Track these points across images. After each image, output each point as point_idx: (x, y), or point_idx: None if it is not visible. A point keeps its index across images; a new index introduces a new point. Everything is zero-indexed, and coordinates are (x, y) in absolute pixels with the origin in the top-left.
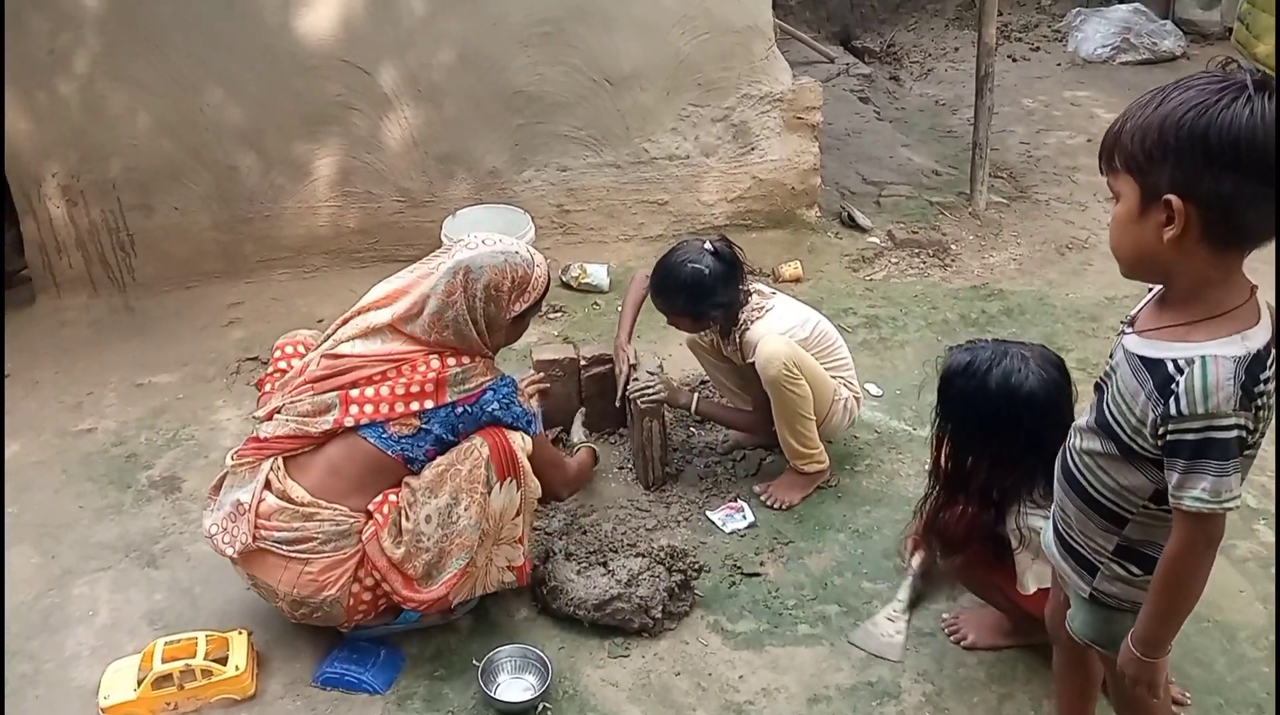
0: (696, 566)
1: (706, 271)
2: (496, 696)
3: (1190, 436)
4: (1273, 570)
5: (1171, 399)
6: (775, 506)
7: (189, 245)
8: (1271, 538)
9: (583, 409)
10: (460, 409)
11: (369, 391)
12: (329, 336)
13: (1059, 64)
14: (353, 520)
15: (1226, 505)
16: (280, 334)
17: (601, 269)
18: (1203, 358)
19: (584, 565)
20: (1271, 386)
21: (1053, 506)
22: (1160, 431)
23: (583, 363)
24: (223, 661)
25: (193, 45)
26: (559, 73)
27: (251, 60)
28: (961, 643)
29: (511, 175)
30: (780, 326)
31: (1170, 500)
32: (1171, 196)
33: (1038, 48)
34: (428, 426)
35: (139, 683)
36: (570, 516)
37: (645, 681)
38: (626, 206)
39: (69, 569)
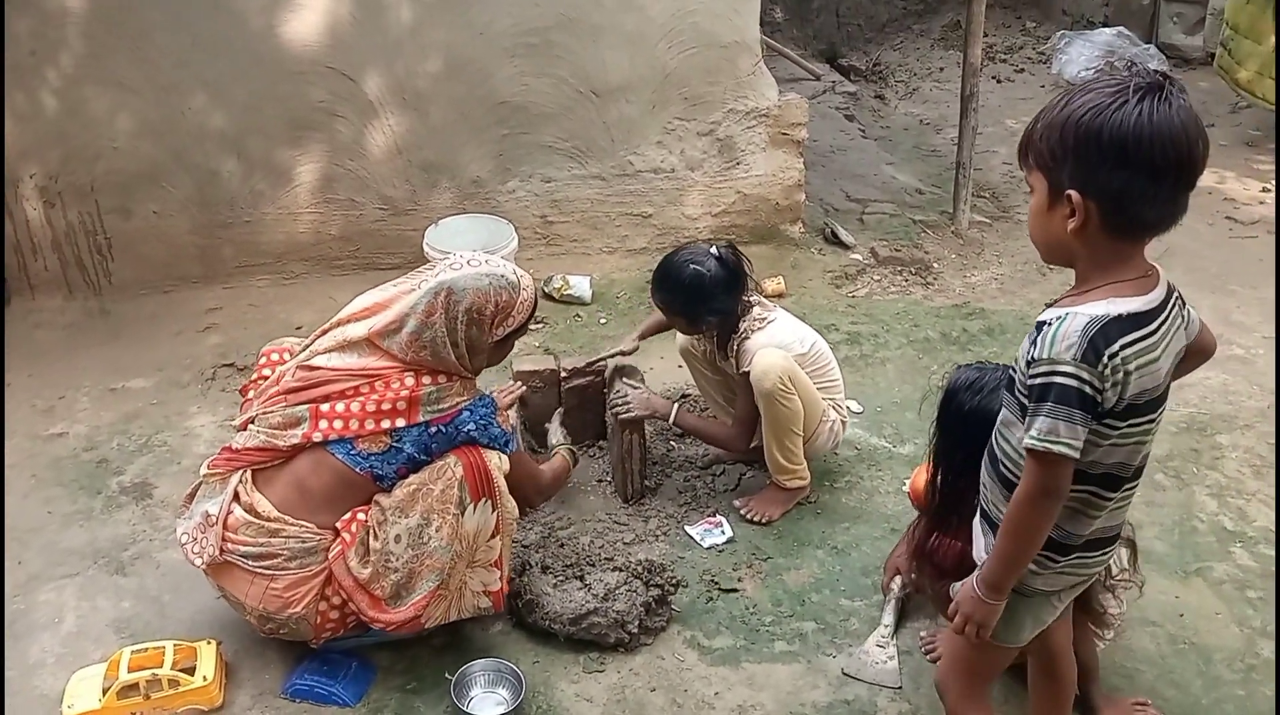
0: (674, 581)
1: (707, 274)
2: (469, 710)
3: (1038, 380)
4: (1248, 593)
5: (1032, 346)
6: (755, 520)
7: (167, 249)
8: (1248, 561)
9: (560, 409)
10: (435, 428)
11: (339, 406)
12: (307, 347)
13: (1043, 86)
14: (319, 538)
15: (1053, 446)
16: (258, 341)
17: (584, 281)
18: (1065, 313)
19: (561, 578)
20: (1133, 352)
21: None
22: (1027, 375)
23: (563, 374)
24: (190, 671)
25: (177, 48)
26: (545, 84)
27: (236, 64)
28: (934, 656)
29: (495, 185)
30: (779, 340)
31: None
32: (1072, 192)
33: (1022, 69)
34: (399, 445)
35: (104, 691)
36: (548, 529)
37: (620, 697)
38: (610, 219)
39: (35, 575)
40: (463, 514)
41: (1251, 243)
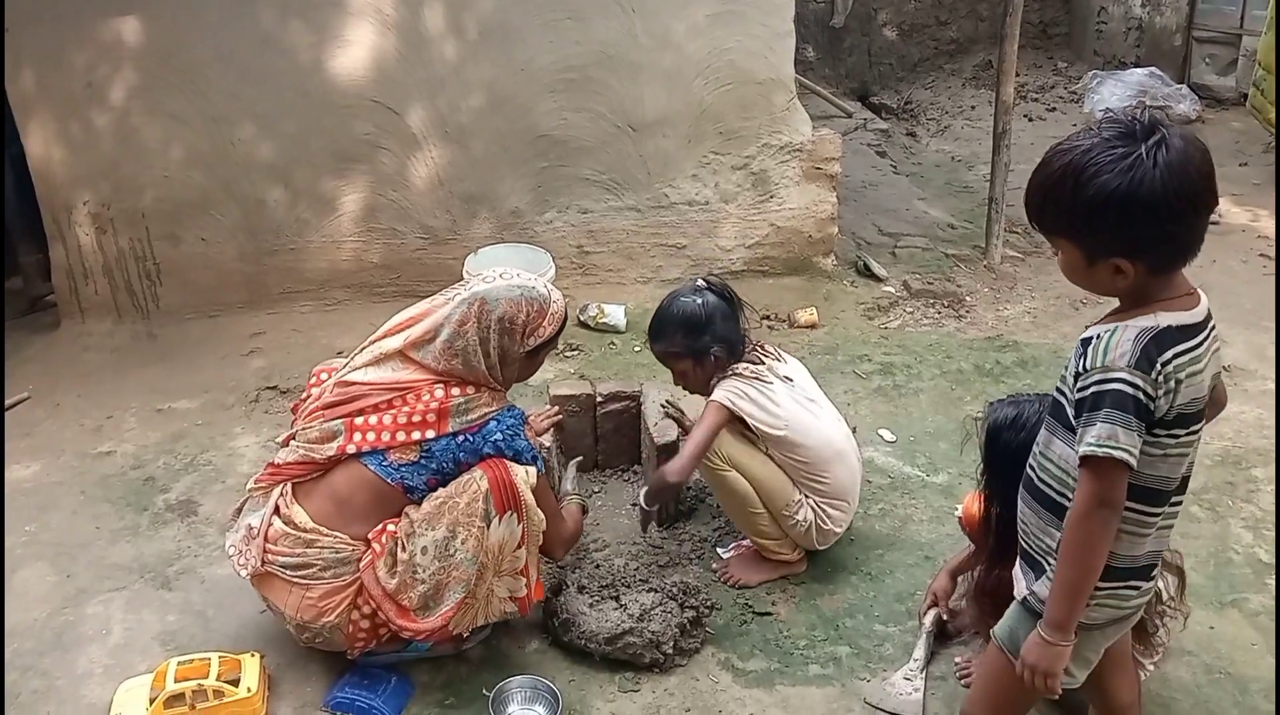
0: (709, 604)
1: (700, 303)
2: None
3: (1090, 390)
4: None
5: (1083, 359)
6: (729, 584)
7: (214, 275)
8: None
9: (578, 459)
10: (462, 438)
11: (373, 419)
12: (346, 363)
13: (1074, 124)
14: (352, 548)
15: (1113, 451)
16: (301, 365)
17: (619, 309)
18: (1115, 327)
19: (596, 599)
20: (1185, 361)
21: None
22: (1075, 388)
23: (599, 399)
24: (235, 683)
25: (228, 81)
26: (583, 118)
27: (284, 98)
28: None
29: (533, 216)
30: (760, 405)
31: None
32: (1119, 260)
33: (1054, 108)
34: (428, 455)
35: (151, 701)
36: (583, 551)
37: None
38: (645, 249)
39: (84, 588)
40: (488, 526)
41: None
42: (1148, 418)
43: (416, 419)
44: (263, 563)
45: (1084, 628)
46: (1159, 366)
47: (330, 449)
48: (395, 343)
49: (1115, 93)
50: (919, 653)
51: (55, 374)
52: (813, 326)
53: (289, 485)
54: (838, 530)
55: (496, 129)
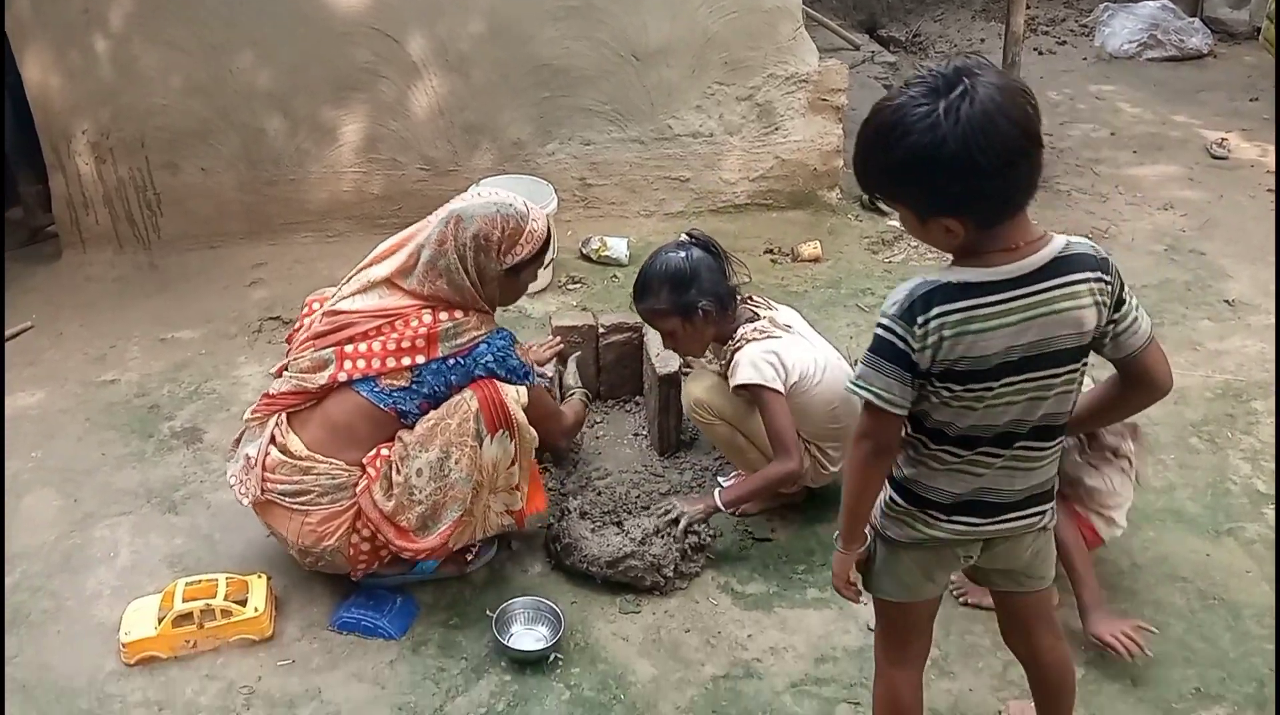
0: (710, 532)
1: (684, 257)
2: (509, 645)
3: (874, 329)
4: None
5: None
6: (730, 512)
7: (214, 205)
8: None
9: (576, 355)
10: (453, 361)
11: (363, 347)
12: (336, 292)
13: (1085, 58)
14: (348, 474)
15: (860, 390)
16: (303, 295)
17: (622, 243)
18: (912, 277)
19: (598, 524)
20: (952, 320)
21: None
22: None
23: (601, 330)
24: (242, 603)
25: (225, 8)
26: (586, 47)
27: (283, 25)
28: (966, 599)
29: (535, 147)
30: (770, 357)
31: None
32: (946, 220)
33: (1064, 42)
34: (420, 380)
35: (160, 620)
36: (585, 478)
37: (655, 637)
38: (648, 182)
39: (90, 513)
40: (480, 445)
41: None
42: (908, 365)
43: (406, 345)
44: (262, 491)
45: (888, 543)
46: (920, 321)
47: (322, 378)
48: (382, 270)
49: (1126, 26)
50: None
51: (57, 304)
52: (816, 260)
53: (284, 415)
54: (832, 471)
55: (497, 57)
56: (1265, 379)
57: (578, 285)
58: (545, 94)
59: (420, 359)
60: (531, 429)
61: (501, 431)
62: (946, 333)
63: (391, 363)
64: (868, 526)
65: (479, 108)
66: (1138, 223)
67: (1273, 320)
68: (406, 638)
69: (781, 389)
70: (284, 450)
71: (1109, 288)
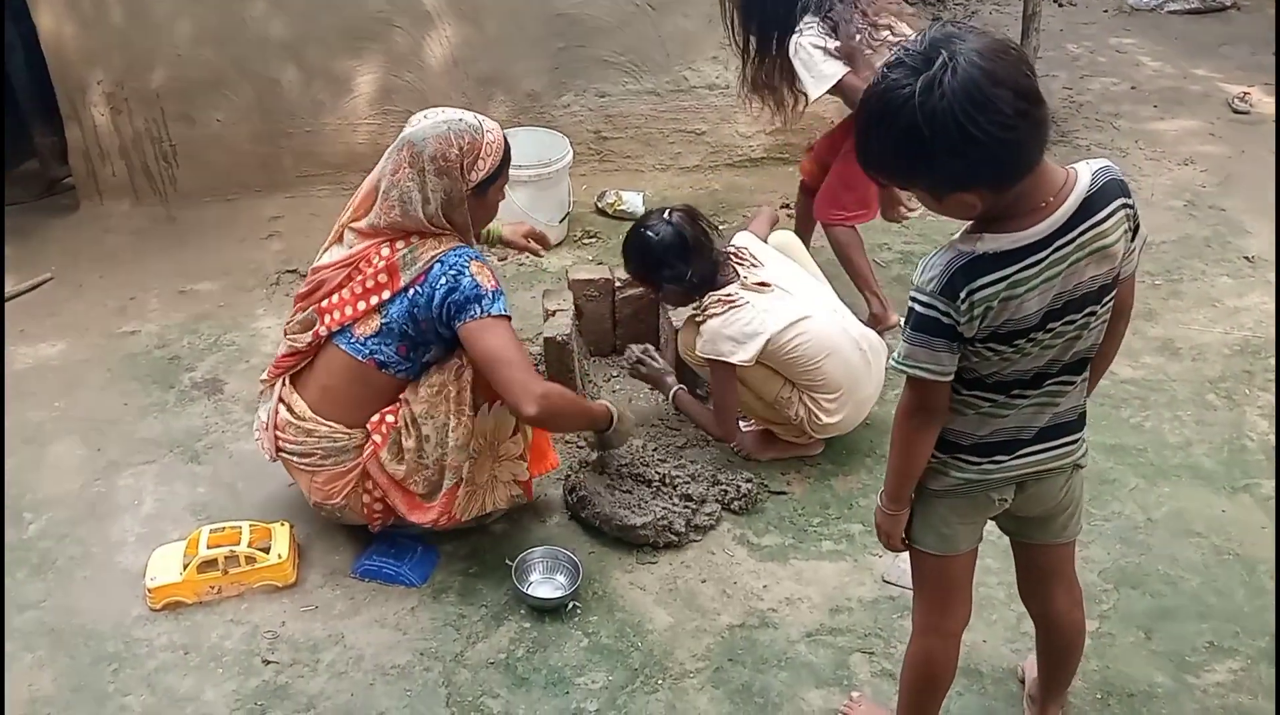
0: (740, 491)
1: (655, 237)
2: (529, 593)
3: (909, 304)
4: None
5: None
6: (741, 455)
7: (230, 157)
8: None
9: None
10: (412, 291)
11: (334, 298)
12: (320, 251)
13: (1106, 10)
14: (349, 436)
15: (909, 369)
16: (318, 248)
17: (637, 197)
18: (940, 248)
19: (614, 478)
20: (993, 292)
21: None
22: None
23: (617, 285)
24: (266, 550)
25: None
26: None
27: None
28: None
29: (550, 99)
30: (735, 331)
31: None
32: (961, 194)
33: None
34: (388, 322)
35: (185, 566)
36: None
37: (672, 586)
38: (664, 135)
39: (114, 461)
40: (476, 414)
41: None
42: (954, 337)
43: (370, 284)
44: (276, 451)
45: (924, 494)
46: (963, 295)
47: (308, 337)
48: (347, 217)
49: None
50: None
51: (76, 255)
52: None
53: (288, 377)
54: (834, 421)
55: (512, 7)
56: None
57: (593, 239)
58: (560, 44)
59: (386, 295)
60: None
61: (499, 402)
62: (993, 304)
63: (362, 306)
64: None
65: (493, 59)
66: (1157, 178)
67: None
68: (427, 585)
69: (737, 361)
70: (290, 411)
71: (1132, 212)
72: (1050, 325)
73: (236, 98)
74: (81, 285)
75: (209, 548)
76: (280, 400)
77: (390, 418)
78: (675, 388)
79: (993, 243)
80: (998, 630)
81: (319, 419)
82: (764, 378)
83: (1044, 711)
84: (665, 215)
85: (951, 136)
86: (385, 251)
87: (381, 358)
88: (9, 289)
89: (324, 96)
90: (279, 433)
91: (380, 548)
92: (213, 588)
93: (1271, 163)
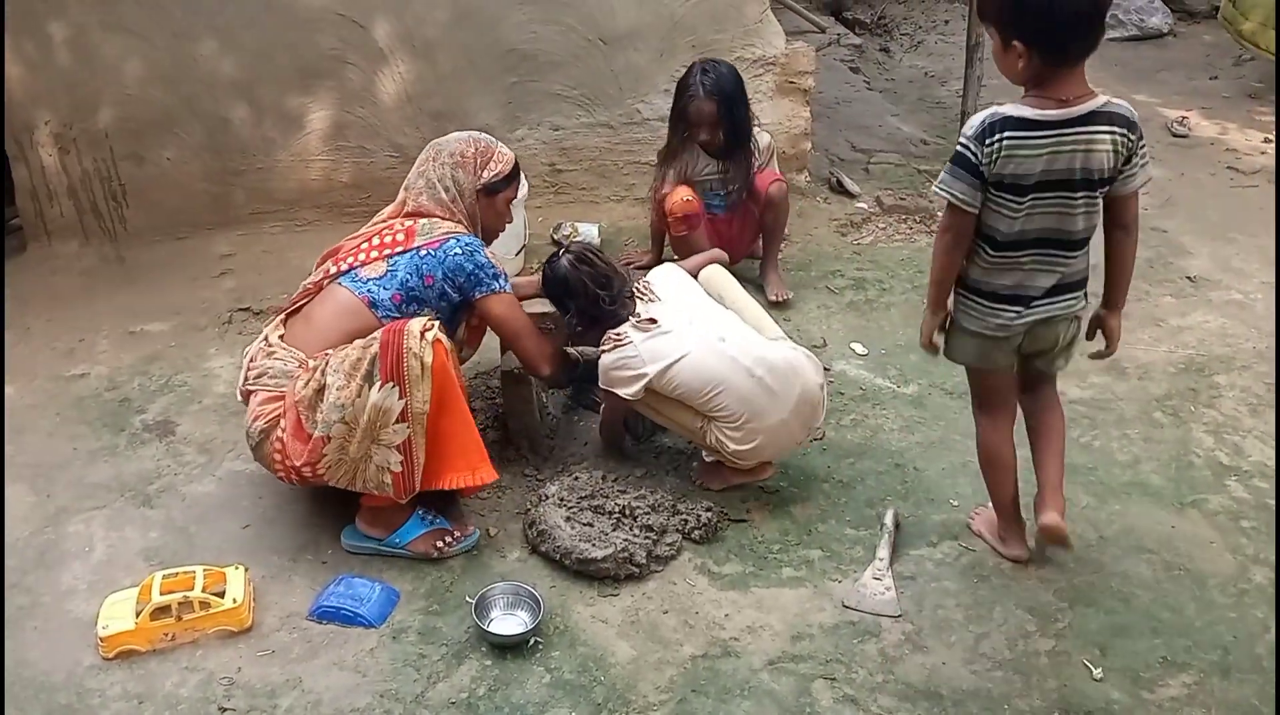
0: (700, 521)
1: (548, 273)
2: (489, 630)
3: (955, 149)
4: (1242, 523)
5: None
6: (698, 486)
7: (180, 196)
8: (1243, 493)
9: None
10: (425, 251)
11: (350, 246)
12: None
13: None
14: (300, 365)
15: (941, 191)
16: (273, 286)
17: (593, 228)
18: (990, 108)
19: (573, 511)
20: (1010, 144)
21: None
22: None
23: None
24: (220, 595)
25: None
26: (553, 31)
27: (246, 11)
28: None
29: (504, 133)
30: (615, 368)
31: None
32: (1016, 42)
33: None
34: (394, 268)
35: (138, 613)
36: (561, 463)
37: (634, 619)
38: (618, 167)
39: (64, 507)
40: (368, 386)
41: (1252, 192)
42: (979, 174)
43: (387, 240)
44: (244, 380)
45: (957, 328)
46: (988, 141)
47: (318, 274)
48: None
49: None
50: (883, 551)
51: (24, 298)
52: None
53: (281, 315)
54: (745, 449)
55: (464, 42)
56: (1226, 353)
57: None
58: (513, 79)
59: (399, 250)
60: (427, 394)
61: (391, 384)
62: (1003, 151)
63: (374, 255)
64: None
65: (446, 94)
66: None
67: (1233, 296)
68: (386, 625)
69: (624, 395)
70: (266, 340)
71: (1128, 142)
72: (1038, 194)
73: (187, 136)
74: (29, 328)
75: (162, 594)
76: (265, 335)
77: (330, 351)
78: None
79: (1020, 110)
80: (956, 652)
81: (284, 345)
82: (676, 411)
83: (1045, 503)
84: (557, 254)
85: (1040, 5)
86: (407, 223)
87: (376, 298)
88: None
89: (275, 133)
90: (250, 362)
91: (337, 589)
92: (167, 635)
93: (1211, 185)
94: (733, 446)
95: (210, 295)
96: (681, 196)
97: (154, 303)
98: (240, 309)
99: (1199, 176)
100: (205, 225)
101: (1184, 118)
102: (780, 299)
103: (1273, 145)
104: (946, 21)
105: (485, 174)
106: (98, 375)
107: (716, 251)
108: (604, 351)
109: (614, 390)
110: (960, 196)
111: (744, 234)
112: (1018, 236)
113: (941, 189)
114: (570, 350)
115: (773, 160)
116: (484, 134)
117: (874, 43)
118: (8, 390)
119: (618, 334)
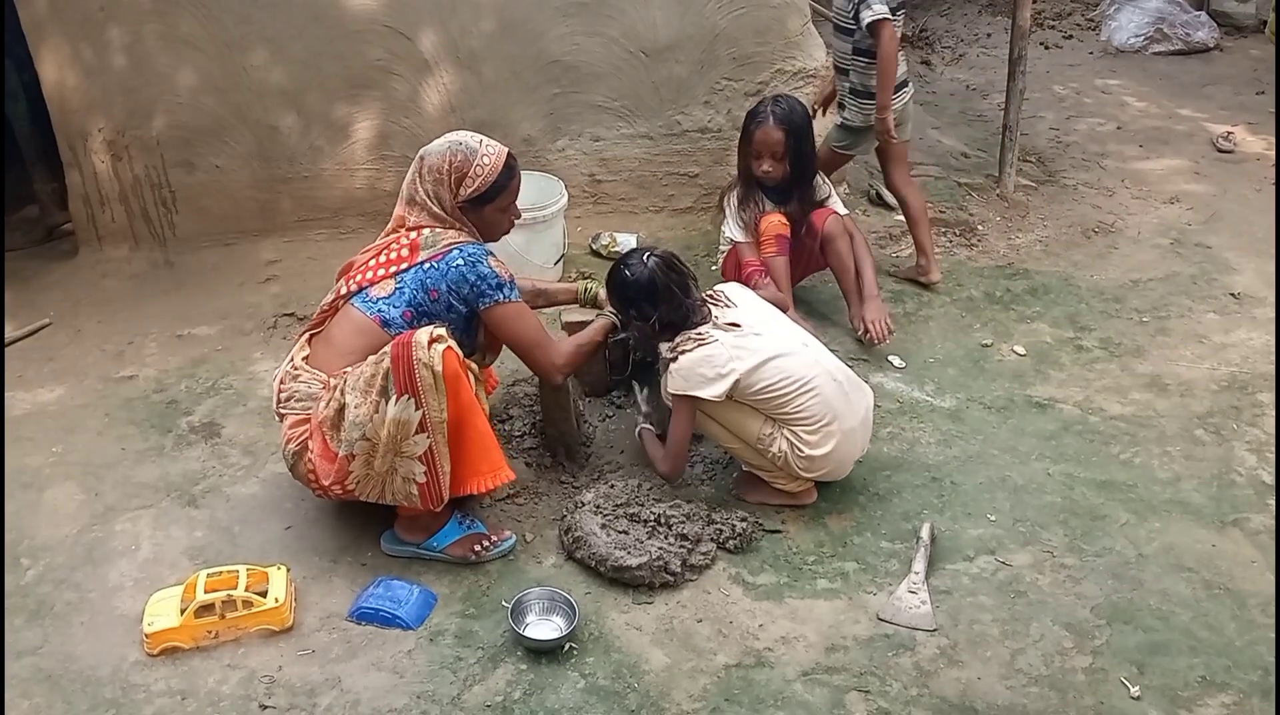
0: (735, 532)
1: (630, 277)
2: (525, 635)
3: None
4: None
5: None
6: (733, 492)
7: (229, 203)
8: None
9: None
10: (429, 265)
11: (360, 262)
12: None
13: (1091, 52)
14: (324, 386)
15: (877, 14)
16: (317, 292)
17: (631, 238)
18: None
19: (609, 518)
20: None
21: None
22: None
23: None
24: (263, 594)
25: (239, 5)
26: (596, 43)
27: (296, 22)
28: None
29: (546, 144)
30: (705, 369)
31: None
32: None
33: (1070, 36)
34: (401, 285)
35: (182, 611)
36: (598, 471)
37: (668, 626)
38: (658, 178)
39: (111, 506)
40: (384, 401)
41: None
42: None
43: (393, 256)
44: (276, 403)
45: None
46: None
47: (331, 295)
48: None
49: (1133, 20)
50: (919, 565)
51: (75, 300)
52: None
53: (307, 336)
54: (821, 453)
55: (508, 54)
56: (1271, 372)
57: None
58: (555, 90)
59: (405, 266)
60: (442, 403)
61: (407, 397)
62: None
63: (382, 273)
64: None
65: (490, 104)
66: (1144, 216)
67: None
68: (424, 628)
69: (706, 396)
70: (292, 362)
71: None
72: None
73: (236, 144)
74: (80, 330)
75: (206, 592)
76: (291, 357)
77: (348, 368)
78: (641, 426)
79: None
80: (992, 667)
81: (307, 368)
82: (742, 418)
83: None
84: (644, 257)
85: None
86: (412, 235)
87: (387, 317)
88: (8, 335)
89: (322, 142)
90: (280, 384)
91: (376, 591)
92: (210, 632)
93: (1256, 201)
94: (808, 451)
95: (256, 300)
96: (778, 219)
97: (201, 307)
98: (285, 314)
99: (1244, 192)
100: (252, 232)
101: (1229, 133)
102: (873, 338)
103: None
104: (989, 35)
105: (462, 191)
106: (146, 377)
107: (781, 296)
108: (684, 351)
109: (692, 392)
110: (884, 11)
111: (793, 273)
112: None
113: (878, 13)
114: (601, 318)
115: (832, 197)
116: (469, 138)
117: (915, 56)
118: (59, 391)
119: (699, 334)
